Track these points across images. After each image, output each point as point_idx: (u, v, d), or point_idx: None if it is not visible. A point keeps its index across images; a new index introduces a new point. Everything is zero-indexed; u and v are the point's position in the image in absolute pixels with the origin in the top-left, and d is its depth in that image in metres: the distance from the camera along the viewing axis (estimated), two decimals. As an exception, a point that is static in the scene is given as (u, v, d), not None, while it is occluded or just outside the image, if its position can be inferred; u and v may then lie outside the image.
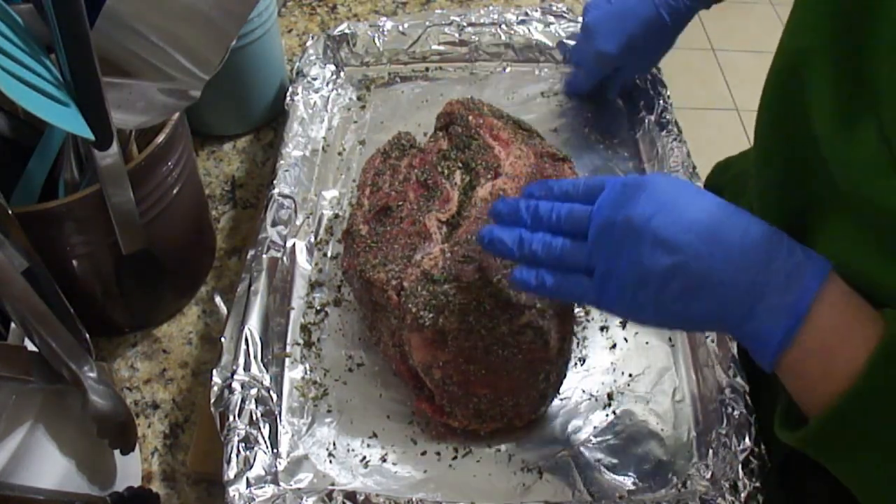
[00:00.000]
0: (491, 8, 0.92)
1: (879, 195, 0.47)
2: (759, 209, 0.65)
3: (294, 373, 0.64)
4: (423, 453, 0.60)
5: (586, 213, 0.49)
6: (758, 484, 0.53)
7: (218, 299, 0.69)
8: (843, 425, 0.42)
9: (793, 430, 0.45)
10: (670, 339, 0.66)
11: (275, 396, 0.61)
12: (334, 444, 0.60)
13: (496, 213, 0.54)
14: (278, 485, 0.56)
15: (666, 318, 0.48)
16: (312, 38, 0.90)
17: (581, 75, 0.85)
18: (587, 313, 0.68)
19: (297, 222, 0.73)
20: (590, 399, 0.62)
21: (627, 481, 0.58)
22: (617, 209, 0.47)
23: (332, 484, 0.58)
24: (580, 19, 0.90)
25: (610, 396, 0.62)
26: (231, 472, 0.54)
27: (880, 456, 0.42)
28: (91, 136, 0.51)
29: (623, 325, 0.67)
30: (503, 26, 0.90)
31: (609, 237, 0.47)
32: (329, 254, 0.73)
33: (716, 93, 2.37)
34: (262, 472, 0.56)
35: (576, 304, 0.67)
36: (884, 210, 0.47)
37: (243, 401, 0.58)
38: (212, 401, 0.58)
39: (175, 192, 0.62)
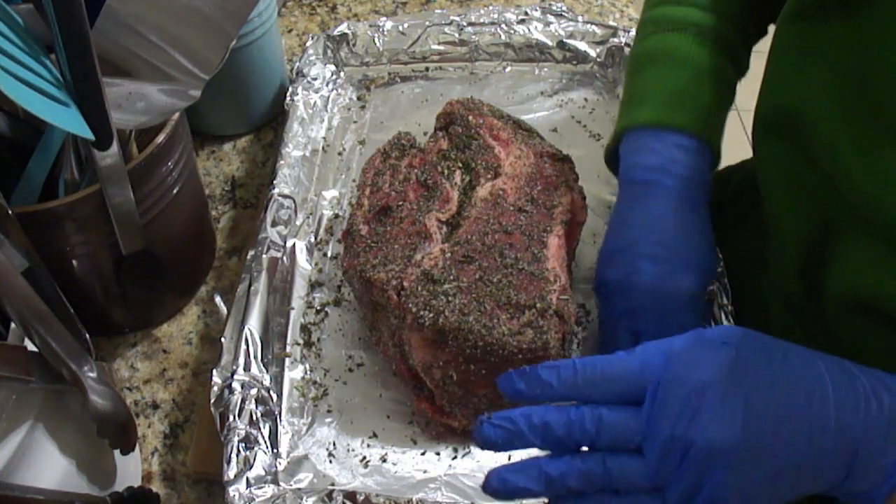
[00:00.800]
0: (491, 8, 0.92)
1: None
2: (775, 236, 0.64)
3: (294, 373, 0.64)
4: (423, 453, 0.60)
5: (633, 427, 0.39)
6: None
7: (218, 299, 0.69)
8: None
9: None
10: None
11: (275, 396, 0.61)
12: (334, 444, 0.60)
13: (488, 442, 0.40)
14: (278, 485, 0.56)
15: None
16: (312, 38, 0.90)
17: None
18: (587, 313, 0.68)
19: (297, 222, 0.73)
20: (590, 399, 0.62)
21: (627, 481, 0.58)
22: (683, 426, 0.38)
23: (332, 484, 0.58)
24: (580, 19, 0.90)
25: (610, 396, 0.62)
26: (231, 472, 0.54)
27: None
28: (91, 136, 0.51)
29: (623, 325, 0.67)
30: (503, 26, 0.90)
31: (683, 465, 0.38)
32: (329, 254, 0.73)
33: (716, 93, 2.36)
34: (262, 472, 0.56)
35: (575, 305, 0.67)
36: None
37: (243, 401, 0.58)
38: (212, 401, 0.58)
39: (175, 192, 0.62)
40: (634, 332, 0.59)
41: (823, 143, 0.51)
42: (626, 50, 0.87)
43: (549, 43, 0.90)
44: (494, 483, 0.40)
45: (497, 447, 0.41)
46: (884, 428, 0.39)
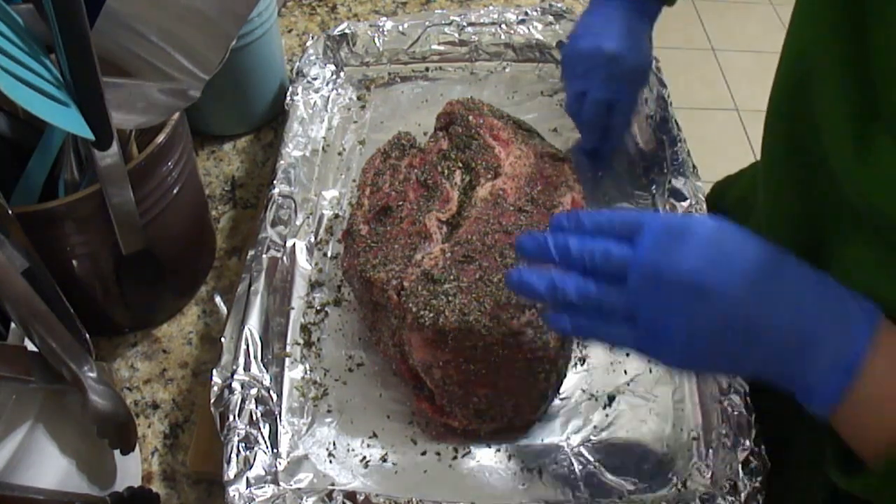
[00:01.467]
0: (491, 8, 0.92)
1: None
2: (770, 235, 0.64)
3: (294, 373, 0.64)
4: (423, 453, 0.60)
5: (624, 258, 0.46)
6: (758, 484, 0.53)
7: (218, 299, 0.69)
8: None
9: (849, 476, 0.44)
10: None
11: (275, 396, 0.61)
12: (334, 444, 0.60)
13: (521, 248, 0.50)
14: (278, 485, 0.56)
15: (717, 368, 0.47)
16: (312, 38, 0.90)
17: (588, 111, 0.74)
18: (587, 313, 0.68)
19: (297, 222, 0.73)
20: (590, 399, 0.62)
21: (627, 481, 0.58)
22: (661, 259, 0.44)
23: (332, 484, 0.57)
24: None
25: (610, 396, 0.62)
26: (231, 472, 0.54)
27: None
28: (91, 136, 0.51)
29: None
30: (503, 26, 0.90)
31: (655, 289, 0.44)
32: (329, 254, 0.73)
33: (716, 93, 2.37)
34: (262, 472, 0.56)
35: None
36: None
37: (243, 401, 0.58)
38: (212, 401, 0.58)
39: (175, 192, 0.62)
40: (584, 92, 0.73)
41: (827, 132, 0.51)
42: (626, 50, 0.87)
43: (550, 43, 0.90)
44: (513, 274, 0.49)
45: (527, 252, 0.49)
46: (839, 320, 0.42)
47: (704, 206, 0.71)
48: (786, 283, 0.43)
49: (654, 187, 0.77)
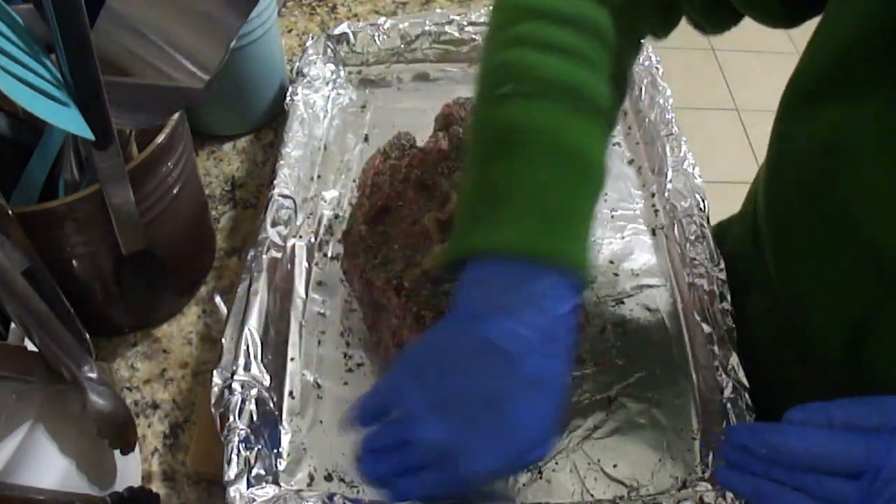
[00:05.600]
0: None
1: None
2: (810, 324, 0.57)
3: (294, 373, 0.64)
4: (424, 453, 0.60)
5: (850, 495, 0.43)
6: (758, 484, 0.53)
7: (218, 299, 0.69)
8: None
9: None
10: (671, 339, 0.66)
11: (275, 396, 0.61)
12: (335, 445, 0.60)
13: (725, 485, 0.48)
14: (279, 485, 0.56)
15: None
16: (312, 38, 0.90)
17: None
18: (586, 313, 0.68)
19: (297, 222, 0.73)
20: (590, 399, 0.62)
21: (627, 481, 0.58)
22: None
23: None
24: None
25: (610, 397, 0.62)
26: (231, 473, 0.54)
27: None
28: (91, 136, 0.51)
29: (622, 326, 0.67)
30: (503, 26, 0.90)
31: None
32: (329, 254, 0.73)
33: (716, 93, 2.37)
34: (263, 473, 0.56)
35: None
36: None
37: (243, 401, 0.58)
38: (212, 401, 0.58)
39: (175, 192, 0.62)
40: None
41: (865, 195, 0.48)
42: (627, 50, 0.87)
43: (549, 43, 0.90)
44: (720, 477, 0.47)
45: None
46: None
47: (704, 206, 0.71)
48: None
49: (654, 187, 0.77)
